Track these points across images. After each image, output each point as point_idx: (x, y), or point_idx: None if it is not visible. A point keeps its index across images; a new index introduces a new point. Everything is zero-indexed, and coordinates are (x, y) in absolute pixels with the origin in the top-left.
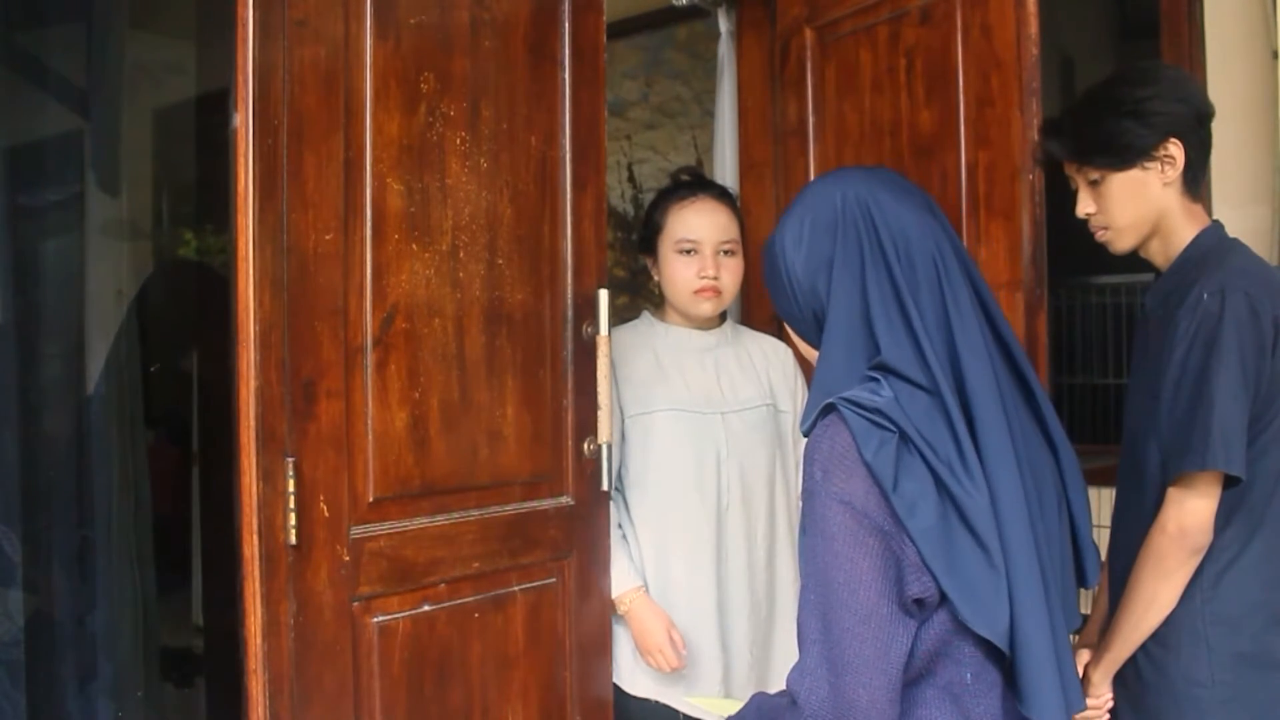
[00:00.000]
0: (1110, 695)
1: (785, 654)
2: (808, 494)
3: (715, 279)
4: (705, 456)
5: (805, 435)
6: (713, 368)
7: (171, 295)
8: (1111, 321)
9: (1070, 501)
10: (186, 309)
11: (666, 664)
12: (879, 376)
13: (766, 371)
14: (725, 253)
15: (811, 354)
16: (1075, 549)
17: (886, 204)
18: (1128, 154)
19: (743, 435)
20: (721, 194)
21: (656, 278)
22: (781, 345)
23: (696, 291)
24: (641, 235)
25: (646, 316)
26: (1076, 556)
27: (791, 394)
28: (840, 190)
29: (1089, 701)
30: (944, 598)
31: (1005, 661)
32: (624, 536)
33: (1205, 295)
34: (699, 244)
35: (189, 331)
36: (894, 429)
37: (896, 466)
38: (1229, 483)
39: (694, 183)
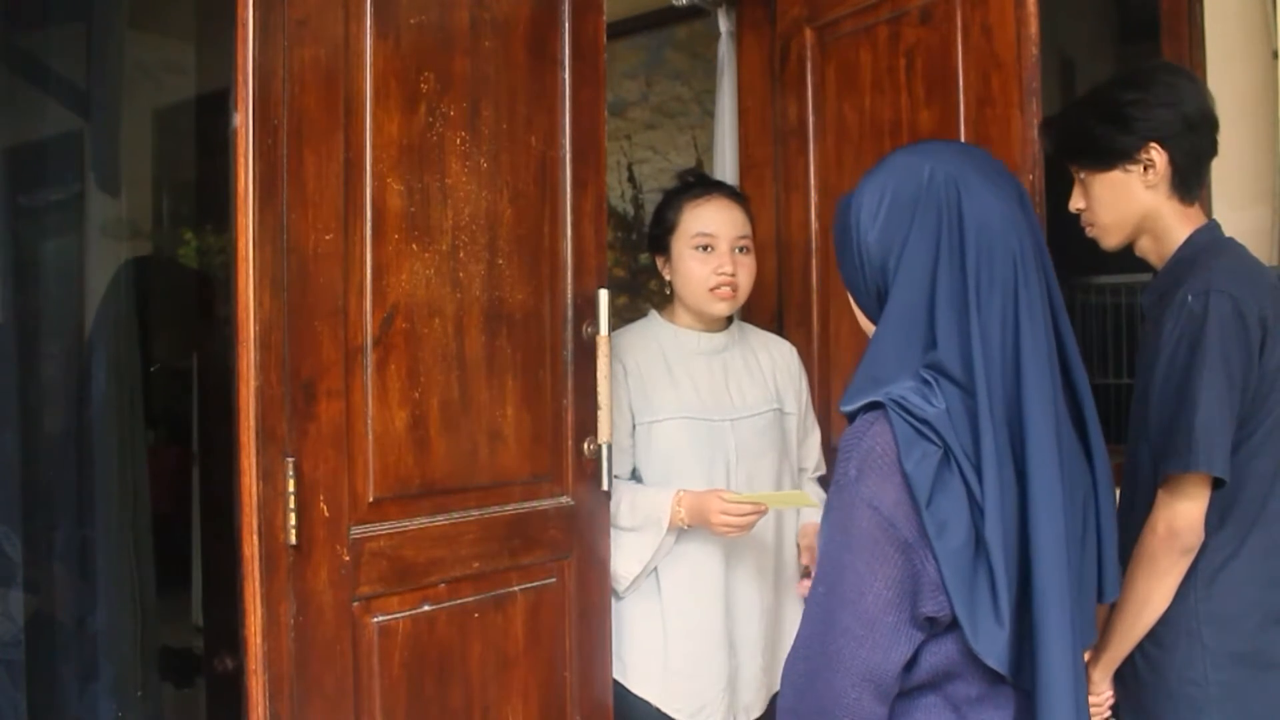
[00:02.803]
0: (1110, 693)
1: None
2: (838, 487)
3: (732, 275)
4: (715, 465)
5: (847, 417)
6: (721, 372)
7: (160, 293)
8: (1111, 321)
9: (1100, 514)
10: (173, 307)
11: (744, 524)
12: (932, 379)
13: (773, 373)
14: (740, 249)
15: (868, 326)
16: (1099, 561)
17: (976, 189)
18: (1105, 156)
19: (751, 442)
20: (734, 193)
21: (668, 277)
22: (786, 345)
23: (713, 289)
24: (652, 234)
25: (654, 316)
26: (1099, 569)
27: (796, 394)
28: (929, 164)
29: (1090, 699)
30: (956, 619)
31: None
32: (636, 480)
33: (1190, 297)
34: (715, 239)
35: (184, 329)
36: (939, 444)
37: (934, 482)
38: (1219, 483)
39: (707, 181)
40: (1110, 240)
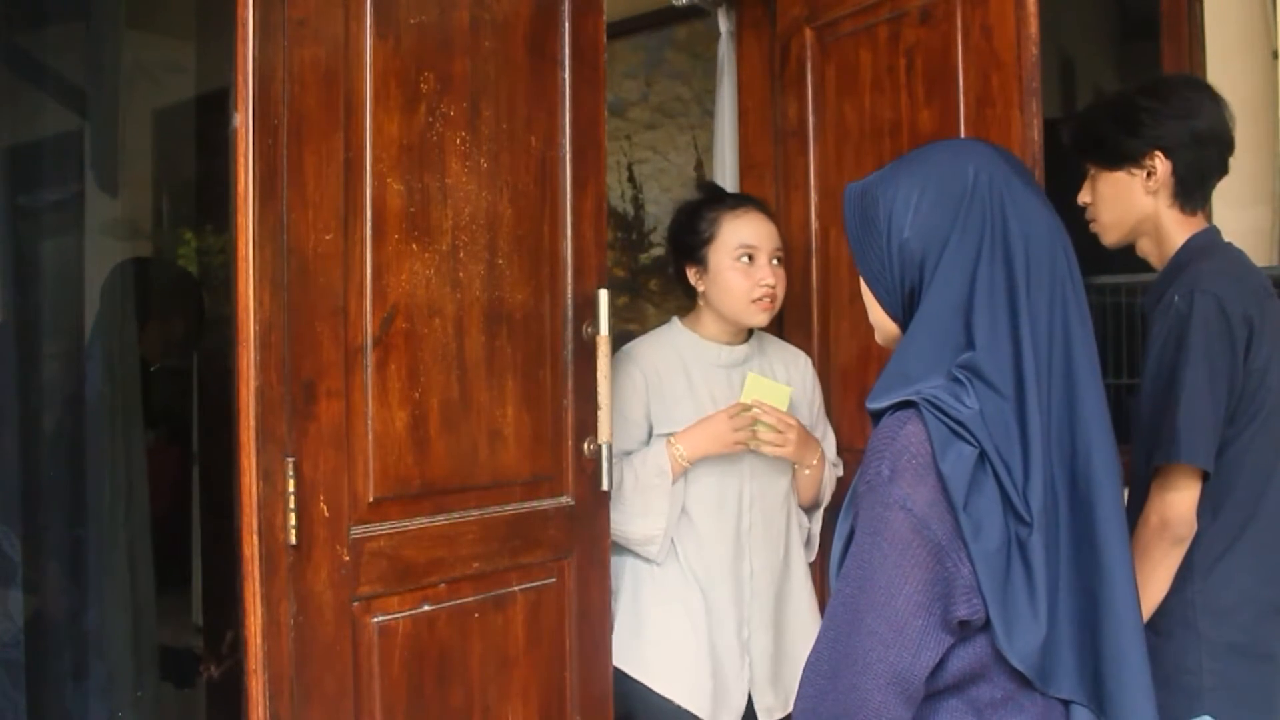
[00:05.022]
0: None
1: (802, 663)
2: (869, 487)
3: (773, 287)
4: (729, 478)
5: (871, 414)
6: (739, 386)
7: (159, 293)
8: (1111, 321)
9: None
10: (173, 307)
11: (743, 432)
12: (965, 379)
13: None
14: (777, 261)
15: (881, 319)
16: None
17: (1020, 194)
18: (1111, 156)
19: (766, 457)
20: (765, 206)
21: (701, 288)
22: (802, 356)
23: (755, 300)
24: (683, 244)
25: (677, 324)
26: None
27: (809, 405)
28: (973, 165)
29: None
30: (989, 621)
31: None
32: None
33: (1176, 297)
34: (757, 250)
35: (184, 329)
36: (975, 444)
37: (970, 483)
38: (1210, 475)
39: (737, 194)
40: (1108, 237)
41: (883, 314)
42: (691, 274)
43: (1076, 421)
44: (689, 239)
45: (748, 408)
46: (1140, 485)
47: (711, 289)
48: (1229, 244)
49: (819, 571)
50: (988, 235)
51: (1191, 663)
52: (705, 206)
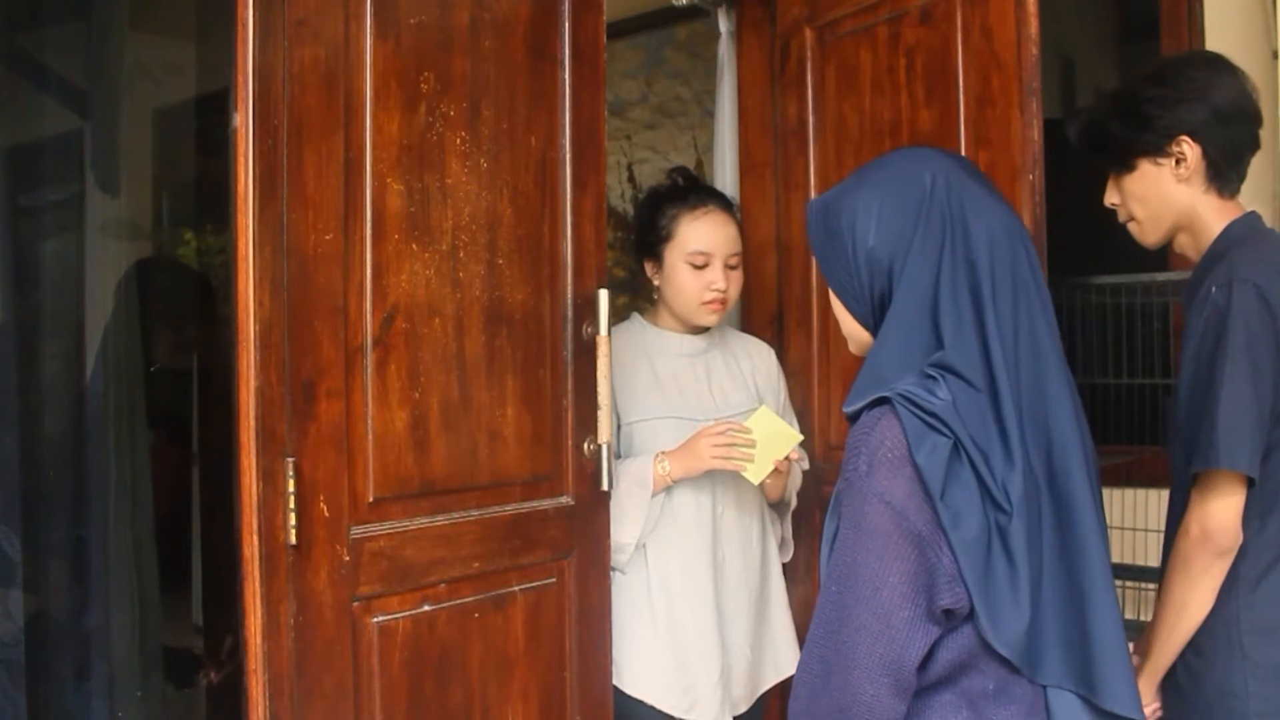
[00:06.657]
0: (1158, 705)
1: (778, 650)
2: (848, 484)
3: (724, 291)
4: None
5: (849, 418)
6: (704, 374)
7: (159, 291)
8: (1111, 321)
9: None
10: (173, 308)
11: (730, 449)
12: (937, 375)
13: (753, 375)
14: (731, 266)
15: (854, 329)
16: None
17: (977, 196)
18: (1123, 154)
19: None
20: (728, 206)
21: (657, 282)
22: (765, 347)
23: (705, 303)
24: (643, 239)
25: (637, 319)
26: None
27: (775, 395)
28: (929, 171)
29: None
30: (974, 610)
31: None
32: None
33: (1214, 289)
34: (711, 257)
35: (185, 330)
36: (949, 435)
37: (946, 473)
38: (1255, 481)
39: (703, 191)
40: (1149, 237)
41: (855, 324)
42: (649, 268)
43: (1048, 410)
44: (648, 235)
45: (746, 430)
46: (1180, 493)
47: (666, 287)
48: (1271, 230)
49: (815, 571)
50: (949, 236)
51: (1236, 686)
52: (664, 202)
